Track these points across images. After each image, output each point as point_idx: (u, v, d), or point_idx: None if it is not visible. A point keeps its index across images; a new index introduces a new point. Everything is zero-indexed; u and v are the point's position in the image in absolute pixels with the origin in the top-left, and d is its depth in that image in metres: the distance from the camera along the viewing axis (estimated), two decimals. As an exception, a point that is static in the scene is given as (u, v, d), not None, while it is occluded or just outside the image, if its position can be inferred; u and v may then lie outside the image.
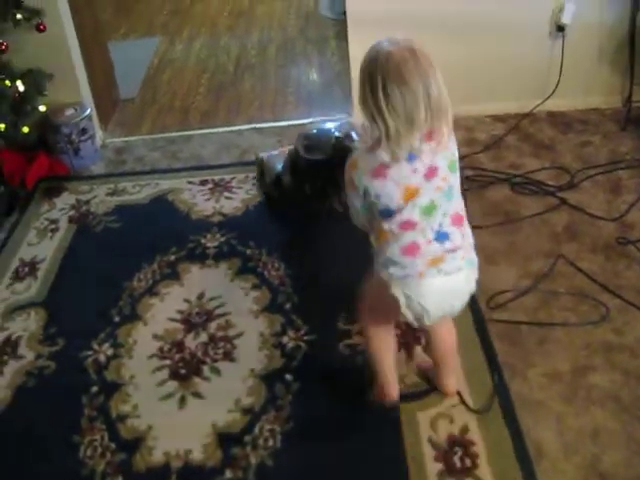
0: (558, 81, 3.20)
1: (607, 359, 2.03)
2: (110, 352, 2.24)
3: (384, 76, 1.49)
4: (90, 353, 2.25)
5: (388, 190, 1.57)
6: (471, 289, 1.67)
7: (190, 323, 2.31)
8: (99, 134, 3.47)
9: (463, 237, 1.63)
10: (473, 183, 2.83)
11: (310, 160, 2.64)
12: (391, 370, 1.88)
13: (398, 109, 1.48)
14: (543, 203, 2.69)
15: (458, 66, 3.19)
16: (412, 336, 2.14)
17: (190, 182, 3.05)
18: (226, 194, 2.93)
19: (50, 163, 3.24)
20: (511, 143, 3.09)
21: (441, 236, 1.59)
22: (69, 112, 3.23)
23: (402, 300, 1.61)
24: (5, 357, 2.27)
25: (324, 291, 2.36)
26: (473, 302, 2.23)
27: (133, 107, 3.83)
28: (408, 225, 1.57)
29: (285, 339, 2.20)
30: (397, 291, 1.61)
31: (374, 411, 1.93)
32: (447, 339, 1.89)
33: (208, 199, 2.92)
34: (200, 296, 2.42)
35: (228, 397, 2.03)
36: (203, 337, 2.25)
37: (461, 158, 2.89)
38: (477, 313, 2.20)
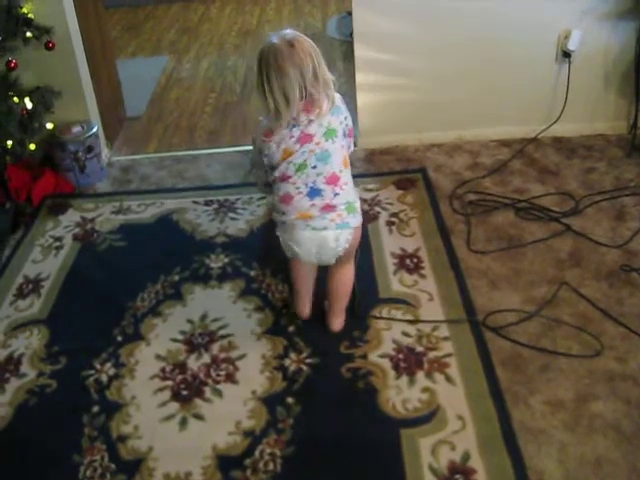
0: (564, 107, 3.21)
1: (609, 388, 2.03)
2: (112, 372, 2.24)
3: (266, 64, 1.92)
4: (92, 372, 2.25)
5: (272, 150, 2.01)
6: (341, 246, 2.05)
7: (193, 344, 2.31)
8: (105, 152, 3.49)
9: (337, 195, 2.01)
10: (477, 208, 2.83)
11: None
12: (306, 293, 2.29)
13: (275, 90, 1.92)
14: (547, 229, 2.69)
15: (464, 91, 3.23)
16: (414, 360, 2.14)
17: (195, 202, 3.06)
18: (231, 215, 2.94)
19: (56, 180, 3.26)
20: (516, 168, 3.10)
21: (313, 192, 2.01)
22: (76, 129, 3.25)
23: (280, 239, 2.10)
24: (7, 375, 2.27)
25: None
26: (475, 327, 2.24)
27: (140, 125, 3.85)
28: (285, 177, 2.02)
29: (287, 362, 2.20)
30: (278, 232, 2.10)
31: (376, 436, 1.93)
32: (339, 286, 2.23)
33: (213, 219, 2.92)
34: (203, 317, 2.42)
35: (229, 419, 2.03)
36: (205, 358, 2.25)
37: (466, 182, 2.96)
38: (480, 339, 2.20)
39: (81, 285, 2.65)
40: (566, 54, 3.14)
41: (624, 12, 3.07)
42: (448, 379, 2.08)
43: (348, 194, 2.05)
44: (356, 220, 2.08)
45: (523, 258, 2.55)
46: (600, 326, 2.23)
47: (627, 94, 3.22)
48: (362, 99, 3.26)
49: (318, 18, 5.17)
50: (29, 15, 2.98)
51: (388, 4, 3.06)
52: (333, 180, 2.01)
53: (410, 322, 2.29)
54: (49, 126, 3.09)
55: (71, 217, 3.06)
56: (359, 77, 3.24)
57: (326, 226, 2.01)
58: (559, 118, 3.24)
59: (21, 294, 2.64)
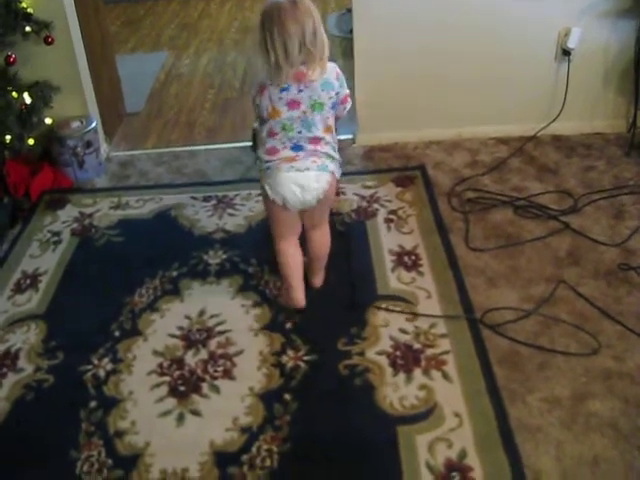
0: (563, 105, 3.21)
1: (607, 386, 2.03)
2: (109, 367, 2.24)
3: (270, 20, 2.02)
4: (89, 368, 2.24)
5: (264, 103, 2.14)
6: (320, 188, 2.18)
7: (190, 340, 2.31)
8: (104, 147, 3.48)
9: (316, 151, 2.17)
10: (476, 205, 2.83)
11: None
12: (298, 278, 2.33)
13: (277, 45, 2.01)
14: (546, 227, 2.69)
15: (463, 88, 3.22)
16: (412, 357, 2.14)
17: (193, 198, 3.06)
18: (229, 211, 2.94)
19: (54, 175, 3.25)
20: (515, 166, 3.10)
21: (296, 147, 2.17)
22: (75, 125, 3.25)
23: (267, 188, 2.19)
24: (4, 369, 2.27)
25: (325, 311, 2.37)
26: (473, 324, 2.24)
27: (139, 121, 3.85)
28: (271, 134, 2.17)
29: (285, 358, 2.20)
30: (264, 182, 2.20)
31: (373, 433, 1.93)
32: (317, 244, 2.38)
33: (211, 215, 2.92)
34: (201, 313, 2.42)
35: (226, 415, 2.03)
36: (203, 354, 2.25)
37: (464, 180, 2.96)
38: (477, 336, 2.20)
39: (79, 280, 2.65)
40: (566, 52, 3.13)
41: (624, 10, 3.06)
42: (445, 376, 2.08)
43: (328, 150, 2.21)
44: (334, 167, 2.22)
45: (521, 256, 2.55)
46: (598, 324, 2.23)
47: (626, 92, 3.22)
48: (361, 96, 3.26)
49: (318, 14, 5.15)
50: (28, 9, 2.99)
51: (389, 2, 3.05)
52: (315, 141, 2.18)
53: (408, 314, 2.29)
54: (48, 121, 3.09)
55: (69, 212, 3.06)
56: (358, 74, 3.23)
57: (308, 167, 2.16)
58: (558, 116, 3.24)
59: (19, 289, 2.64)
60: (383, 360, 2.15)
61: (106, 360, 2.27)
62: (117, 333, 2.37)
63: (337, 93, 2.16)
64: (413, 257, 2.57)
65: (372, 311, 2.34)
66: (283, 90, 2.11)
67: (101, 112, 3.49)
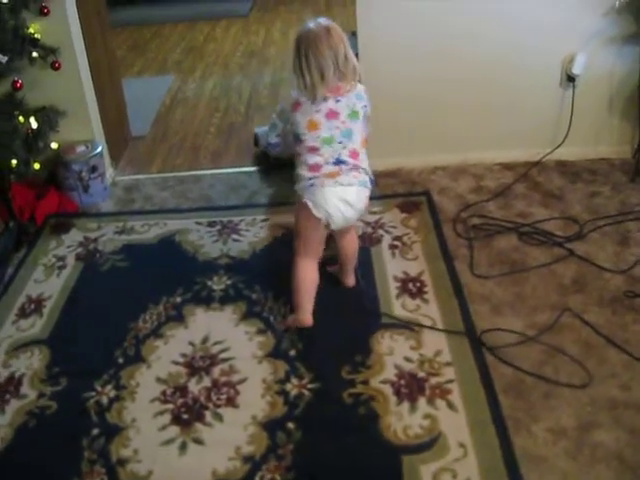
0: (568, 130, 3.22)
1: (612, 416, 2.01)
2: (112, 394, 2.23)
3: (306, 47, 2.19)
4: (92, 394, 2.23)
5: (297, 120, 2.25)
6: (361, 204, 2.29)
7: (194, 367, 2.30)
8: (109, 172, 3.50)
9: (356, 165, 2.25)
10: (480, 232, 2.83)
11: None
12: (309, 299, 2.35)
13: (312, 68, 2.18)
14: (551, 254, 2.68)
15: (468, 113, 3.23)
16: (416, 386, 2.13)
17: (198, 223, 3.06)
18: (234, 236, 2.94)
19: (60, 199, 3.27)
20: (520, 192, 3.10)
21: (339, 161, 2.23)
22: (80, 149, 3.26)
23: (310, 204, 2.23)
24: (7, 396, 2.26)
25: (329, 339, 2.36)
26: (478, 353, 2.23)
27: (144, 145, 3.87)
28: (312, 149, 2.24)
29: (288, 386, 2.19)
30: (307, 198, 2.24)
31: (376, 462, 1.92)
32: (348, 248, 2.47)
33: (216, 241, 2.92)
34: (204, 340, 2.41)
35: (229, 444, 2.01)
36: (206, 382, 2.24)
37: (469, 206, 2.96)
38: (482, 365, 2.19)
39: (83, 305, 2.65)
40: (570, 78, 3.14)
41: (629, 36, 3.08)
42: (450, 405, 2.06)
43: (366, 165, 2.31)
44: (370, 184, 2.32)
45: (526, 283, 2.54)
46: (603, 353, 2.22)
47: (631, 118, 3.23)
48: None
49: (323, 39, 5.19)
50: (35, 35, 3.01)
51: (393, 26, 3.07)
52: (354, 155, 2.26)
53: (414, 326, 2.28)
54: (54, 146, 3.10)
55: (74, 237, 3.07)
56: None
57: (351, 182, 2.24)
58: (563, 142, 3.24)
59: (23, 314, 2.63)
60: (387, 389, 2.14)
61: (109, 387, 2.26)
62: (121, 360, 2.36)
63: (365, 105, 2.30)
64: (418, 284, 2.56)
65: (376, 339, 2.33)
66: (321, 103, 2.23)
67: (107, 136, 3.51)
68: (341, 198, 2.22)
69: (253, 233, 2.95)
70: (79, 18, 3.21)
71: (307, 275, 2.35)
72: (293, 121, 2.28)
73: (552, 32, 3.07)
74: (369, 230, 2.89)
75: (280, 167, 3.30)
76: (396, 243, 2.80)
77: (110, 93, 3.66)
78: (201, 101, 4.35)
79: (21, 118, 2.97)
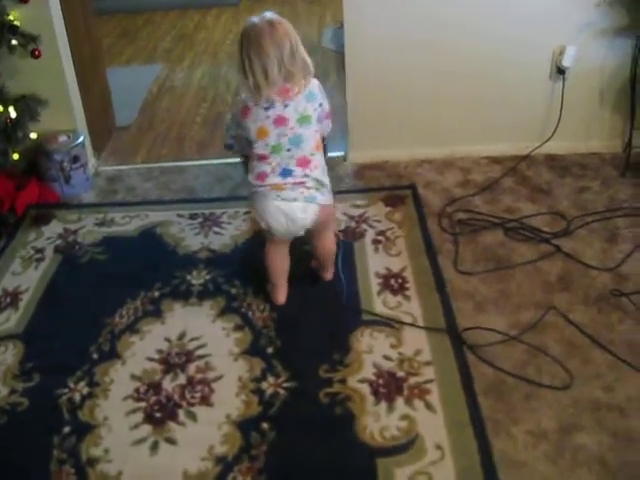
0: (557, 124, 3.16)
1: (595, 418, 1.96)
2: (85, 391, 2.18)
3: (248, 44, 2.05)
4: (65, 391, 2.18)
5: (249, 127, 2.14)
6: (308, 220, 2.19)
7: (169, 364, 2.25)
8: (92, 162, 3.44)
9: (306, 176, 2.15)
10: (466, 227, 2.78)
11: None
12: (281, 279, 2.40)
13: (255, 67, 2.04)
14: (537, 250, 2.63)
15: (456, 106, 3.18)
16: (394, 386, 2.08)
17: (180, 215, 3.01)
18: (215, 229, 2.89)
19: (40, 190, 3.20)
20: (507, 186, 3.04)
21: (285, 172, 2.15)
22: (62, 139, 3.20)
23: (255, 212, 2.23)
24: (-21, 392, 2.21)
25: (308, 336, 2.31)
26: (459, 352, 2.18)
27: (129, 135, 3.80)
28: (261, 157, 2.15)
29: (264, 385, 2.14)
30: (253, 205, 2.22)
31: (351, 465, 1.87)
32: (323, 248, 2.40)
33: (197, 234, 2.87)
34: (181, 336, 2.36)
35: (202, 444, 1.96)
36: (181, 379, 2.19)
37: (455, 200, 2.91)
38: (463, 364, 2.14)
39: (60, 299, 2.60)
40: (560, 70, 3.09)
41: (620, 28, 3.02)
42: (428, 406, 2.02)
43: (317, 175, 2.19)
44: (324, 198, 2.21)
45: (511, 280, 2.49)
46: (588, 353, 2.17)
47: (622, 112, 3.17)
48: (353, 113, 3.22)
49: (314, 28, 5.13)
50: (15, 22, 2.94)
51: (381, 17, 3.00)
52: (304, 163, 2.16)
53: (395, 324, 2.23)
54: (33, 136, 3.03)
55: (54, 228, 3.01)
56: (350, 90, 3.19)
57: (295, 197, 2.15)
58: (553, 135, 3.19)
59: (-1, 307, 2.59)
60: (365, 388, 2.09)
61: (82, 384, 2.21)
62: (95, 355, 2.31)
63: (320, 104, 2.18)
64: (400, 280, 2.51)
65: (356, 336, 2.28)
66: (268, 108, 2.11)
67: (90, 126, 3.45)
68: (283, 212, 2.17)
69: (235, 226, 2.90)
70: (61, 5, 3.14)
71: (276, 262, 2.38)
72: (244, 127, 2.17)
73: (542, 24, 3.01)
74: (352, 224, 2.83)
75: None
76: (379, 238, 2.74)
77: (93, 82, 3.59)
78: (189, 90, 4.29)
79: (0, 107, 2.91)
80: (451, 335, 2.24)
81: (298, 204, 2.16)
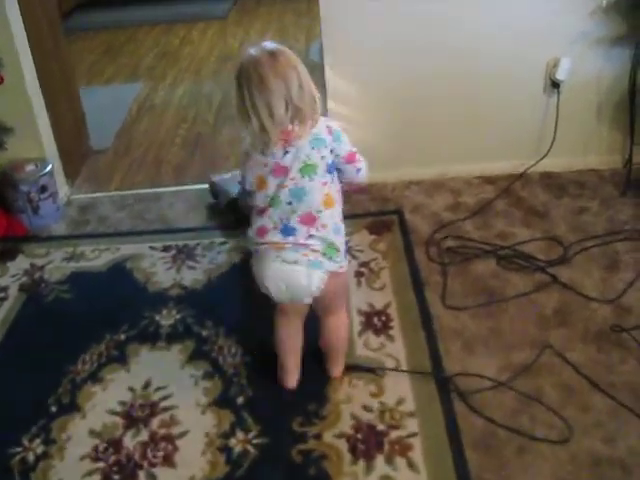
0: (553, 140, 2.97)
1: (595, 475, 1.77)
2: (40, 450, 2.00)
3: (247, 79, 1.75)
4: (19, 450, 2.01)
5: (249, 175, 1.88)
6: (313, 287, 1.82)
7: (131, 418, 2.07)
8: (64, 190, 3.27)
9: (311, 237, 1.81)
10: (456, 256, 2.59)
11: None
12: (292, 361, 2.05)
13: (259, 105, 1.73)
14: (532, 280, 2.45)
15: (446, 124, 3.00)
16: (374, 442, 1.90)
17: (152, 247, 2.83)
18: (189, 263, 2.71)
19: (8, 222, 3.03)
20: (500, 208, 2.85)
21: (287, 230, 1.82)
22: (29, 168, 3.03)
23: (254, 274, 1.89)
24: None
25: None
26: (446, 400, 1.99)
27: (105, 159, 3.64)
28: (261, 211, 1.85)
29: (232, 442, 1.95)
30: (252, 263, 1.90)
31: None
32: (330, 334, 2.05)
33: (169, 268, 2.69)
34: (146, 385, 2.18)
35: (161, 513, 1.79)
36: (143, 435, 2.01)
37: (445, 225, 2.72)
38: (450, 415, 1.95)
39: (20, 345, 2.42)
40: (555, 84, 2.90)
41: (616, 38, 2.84)
42: (410, 464, 1.83)
43: (326, 235, 1.83)
44: (334, 265, 1.85)
45: (503, 315, 2.30)
46: (586, 398, 1.98)
47: (621, 126, 2.98)
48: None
49: (302, 41, 4.97)
50: (-28, 47, 2.78)
51: (363, 33, 2.84)
52: (308, 220, 1.81)
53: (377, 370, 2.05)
54: (-5, 166, 2.86)
55: (20, 264, 2.84)
56: (332, 107, 3.02)
57: (297, 260, 1.80)
58: (548, 152, 3.00)
59: (-44, 352, 2.42)
60: (342, 444, 1.90)
61: (38, 441, 2.02)
62: (54, 408, 2.13)
63: (332, 150, 1.85)
64: (384, 318, 2.33)
65: (333, 385, 2.09)
66: (267, 156, 1.82)
67: (61, 152, 3.28)
68: (282, 277, 1.83)
69: (209, 259, 2.72)
70: (25, 26, 2.97)
71: (285, 333, 2.03)
72: (244, 175, 1.91)
73: (533, 36, 2.83)
74: (335, 254, 2.65)
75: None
76: (362, 270, 2.56)
77: (65, 105, 3.42)
78: (168, 110, 4.11)
79: (-38, 136, 2.75)
80: (438, 381, 2.05)
81: (300, 268, 1.81)
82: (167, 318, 2.44)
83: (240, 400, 2.08)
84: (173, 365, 2.24)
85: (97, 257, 2.83)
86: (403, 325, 2.29)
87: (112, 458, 1.95)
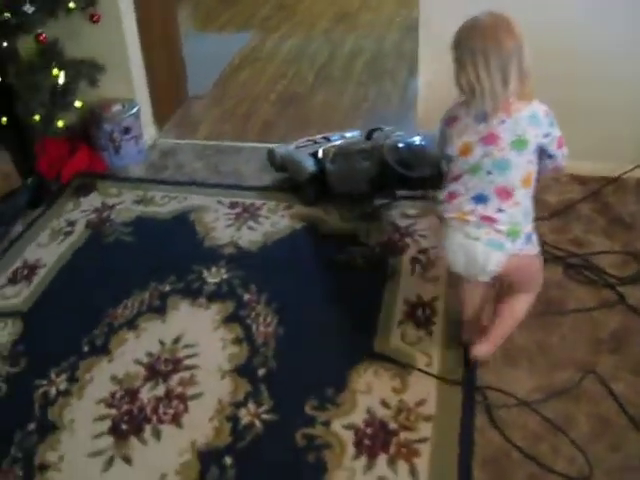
0: (657, 147, 2.71)
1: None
2: (63, 386, 2.06)
3: (483, 40, 1.69)
4: (44, 383, 2.08)
5: (454, 139, 1.82)
6: (491, 267, 1.77)
7: (154, 370, 2.09)
8: (150, 133, 3.31)
9: (501, 212, 1.74)
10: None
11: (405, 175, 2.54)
12: (471, 318, 2.04)
13: (492, 69, 1.68)
14: (597, 296, 2.26)
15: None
16: (382, 440, 1.82)
17: (220, 202, 2.82)
18: (250, 223, 2.68)
19: (90, 158, 3.11)
20: (583, 213, 2.64)
21: (480, 198, 1.76)
22: (116, 108, 3.08)
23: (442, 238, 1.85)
24: (-36, 368, 2.14)
25: (306, 362, 2.07)
26: (468, 411, 1.88)
27: (198, 107, 3.65)
28: (455, 177, 1.82)
29: (242, 412, 1.93)
30: (442, 235, 1.85)
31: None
32: (501, 312, 1.97)
33: (229, 225, 2.68)
34: (176, 339, 2.19)
35: (156, 470, 1.80)
36: (160, 390, 2.02)
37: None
38: (468, 426, 1.84)
39: (72, 282, 2.49)
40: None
41: None
42: (412, 471, 1.74)
43: (515, 216, 1.77)
44: (516, 247, 1.77)
45: (556, 330, 2.14)
46: (621, 436, 1.81)
47: None
48: (423, 107, 2.90)
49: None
50: (73, -16, 2.81)
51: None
52: (503, 193, 1.76)
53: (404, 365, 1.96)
54: (77, 104, 2.90)
55: (92, 201, 2.91)
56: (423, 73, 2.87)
57: (479, 237, 1.75)
58: (649, 159, 2.74)
59: (14, 279, 2.53)
60: (349, 436, 1.84)
61: (63, 377, 2.09)
62: (86, 348, 2.19)
63: (547, 135, 1.79)
64: (428, 311, 2.22)
65: (357, 371, 2.02)
66: (482, 122, 1.78)
67: (153, 96, 3.31)
68: (461, 249, 1.79)
69: (271, 222, 2.68)
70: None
71: (467, 295, 2.02)
72: (446, 138, 1.85)
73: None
74: (396, 236, 2.55)
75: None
76: (420, 257, 2.45)
77: (162, 51, 3.43)
78: (271, 64, 4.05)
79: (55, 70, 2.80)
80: (466, 389, 1.94)
81: (479, 245, 1.75)
82: (214, 276, 2.43)
83: (261, 372, 2.05)
84: (207, 325, 2.23)
85: (165, 204, 2.85)
86: (446, 322, 2.17)
87: (125, 407, 1.98)
